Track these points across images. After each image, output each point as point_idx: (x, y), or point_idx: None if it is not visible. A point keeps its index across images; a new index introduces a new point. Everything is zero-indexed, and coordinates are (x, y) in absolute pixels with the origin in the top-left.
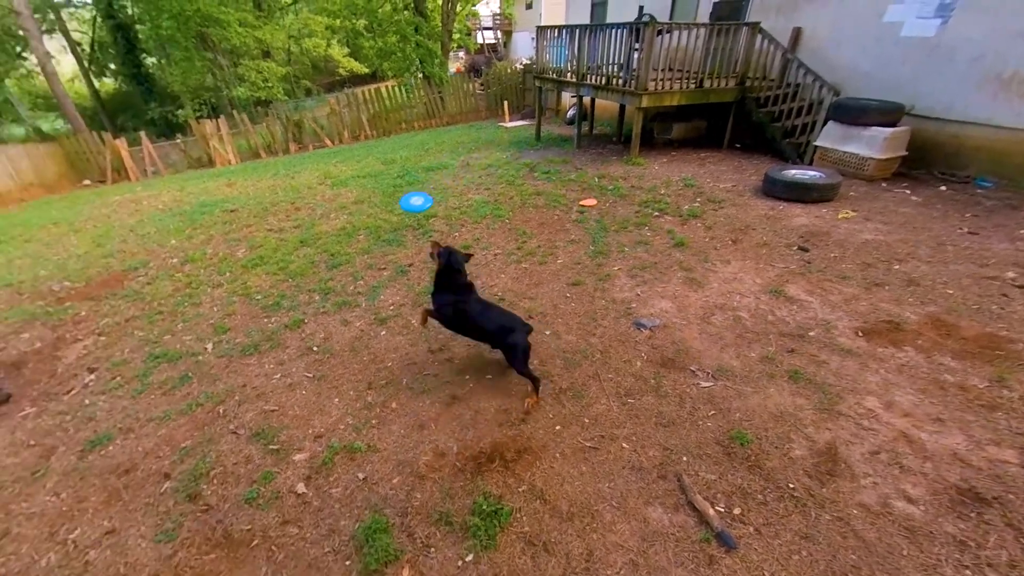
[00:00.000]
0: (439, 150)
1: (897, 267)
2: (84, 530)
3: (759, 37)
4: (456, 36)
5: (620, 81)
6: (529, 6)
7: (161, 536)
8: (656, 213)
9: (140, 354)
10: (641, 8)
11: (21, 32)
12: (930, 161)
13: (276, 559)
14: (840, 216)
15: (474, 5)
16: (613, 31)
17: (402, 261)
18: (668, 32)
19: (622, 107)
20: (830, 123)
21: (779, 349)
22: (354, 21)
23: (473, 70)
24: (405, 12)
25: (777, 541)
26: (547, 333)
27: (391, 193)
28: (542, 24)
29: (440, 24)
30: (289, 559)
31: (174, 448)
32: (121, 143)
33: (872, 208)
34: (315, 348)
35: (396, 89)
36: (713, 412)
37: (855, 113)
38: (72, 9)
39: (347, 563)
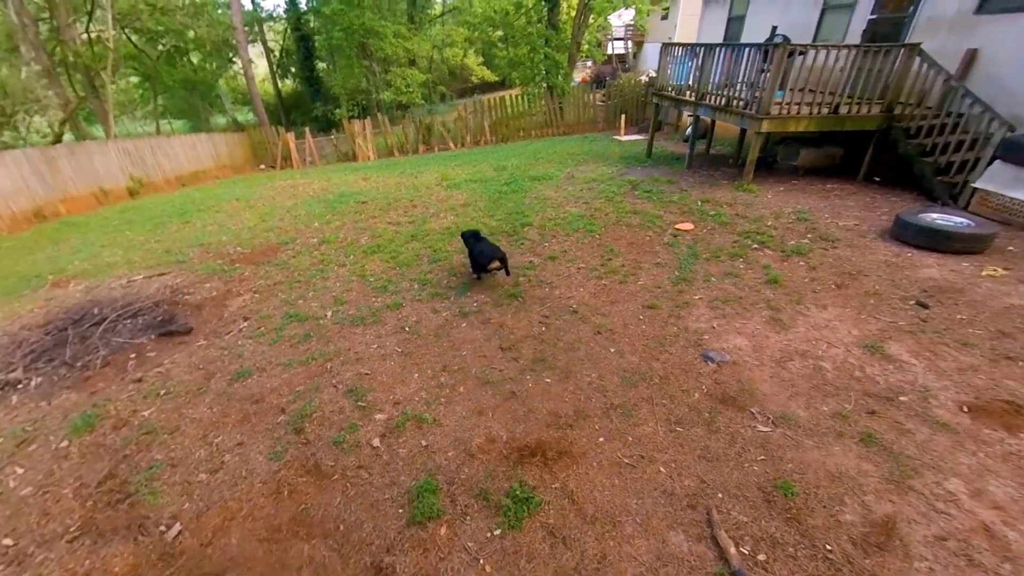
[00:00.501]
0: (548, 160)
1: None
2: (223, 438)
3: (917, 60)
4: (584, 47)
5: (741, 103)
6: (665, 17)
7: (272, 455)
8: (755, 245)
9: (280, 312)
10: (774, 28)
11: (233, 42)
12: None
13: (348, 494)
14: (984, 273)
15: (606, 17)
16: (741, 51)
17: (493, 273)
18: (803, 54)
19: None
20: (997, 163)
21: (858, 408)
22: (491, 33)
23: (597, 81)
24: (539, 25)
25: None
26: (611, 350)
27: (496, 199)
28: (673, 39)
29: (570, 36)
30: (357, 497)
31: (291, 390)
32: (290, 136)
33: (1006, 259)
34: (407, 328)
35: (519, 98)
36: (763, 457)
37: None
38: (271, 23)
39: (399, 511)
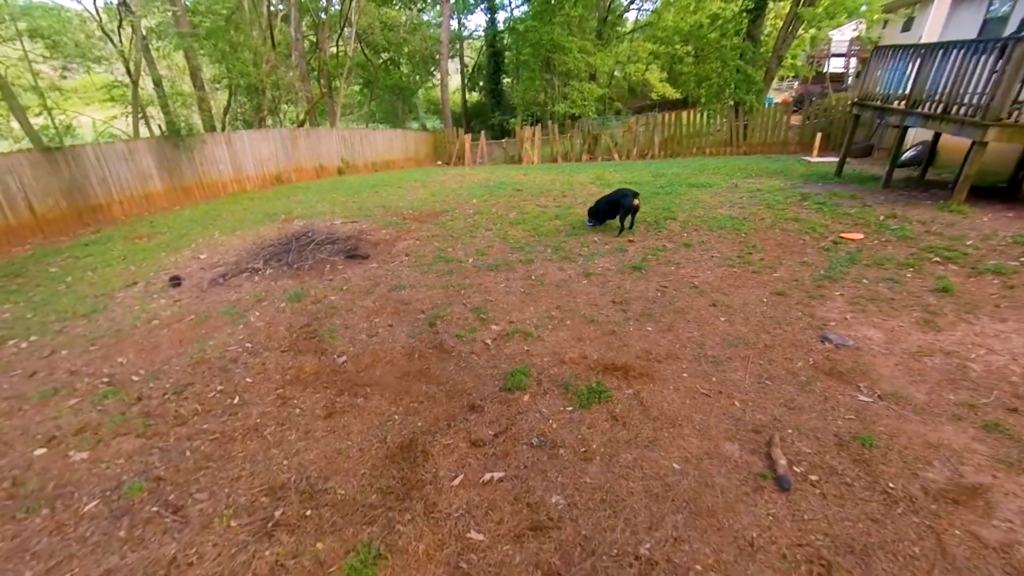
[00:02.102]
0: (715, 172)
1: None
2: (379, 320)
3: None
4: (791, 63)
5: (963, 110)
6: (906, 28)
7: (411, 335)
8: (937, 259)
9: (432, 254)
10: (985, 22)
11: (436, 56)
12: None
13: (460, 366)
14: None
15: (821, 29)
16: (975, 47)
17: (625, 247)
18: None
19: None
20: None
21: (995, 403)
22: (679, 47)
23: (799, 101)
24: (735, 38)
25: (836, 509)
26: (721, 319)
27: (646, 198)
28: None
29: (771, 49)
30: (467, 368)
31: (431, 302)
32: (467, 138)
33: None
34: (533, 277)
35: (696, 116)
36: (852, 417)
37: None
38: (470, 40)
39: (496, 382)
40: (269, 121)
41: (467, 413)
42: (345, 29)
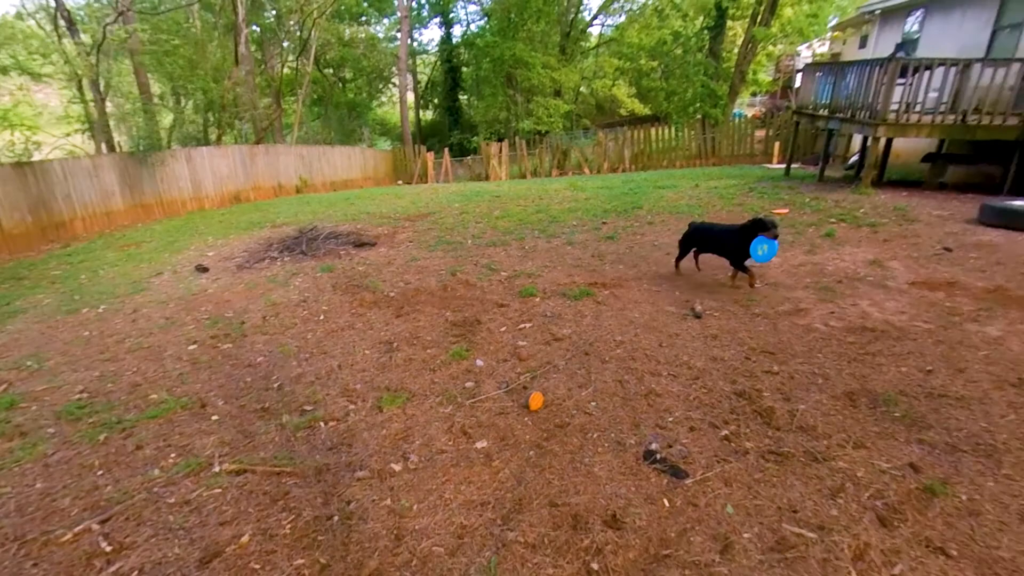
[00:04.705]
0: (681, 178)
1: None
2: (408, 276)
3: None
4: (760, 79)
5: (865, 113)
6: (863, 45)
7: (439, 280)
8: (833, 220)
9: (433, 239)
10: (898, 45)
11: (388, 73)
12: None
13: (484, 290)
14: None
15: (794, 46)
16: (867, 66)
17: (600, 227)
18: (929, 69)
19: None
20: None
21: (831, 280)
22: (644, 63)
23: (771, 114)
24: (698, 54)
25: (724, 322)
26: (671, 262)
27: (616, 196)
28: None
29: (734, 65)
30: (489, 291)
31: (446, 265)
32: (429, 155)
33: None
34: (526, 247)
35: (666, 131)
36: (756, 297)
37: None
38: (422, 55)
39: (512, 295)
40: (226, 138)
41: (497, 308)
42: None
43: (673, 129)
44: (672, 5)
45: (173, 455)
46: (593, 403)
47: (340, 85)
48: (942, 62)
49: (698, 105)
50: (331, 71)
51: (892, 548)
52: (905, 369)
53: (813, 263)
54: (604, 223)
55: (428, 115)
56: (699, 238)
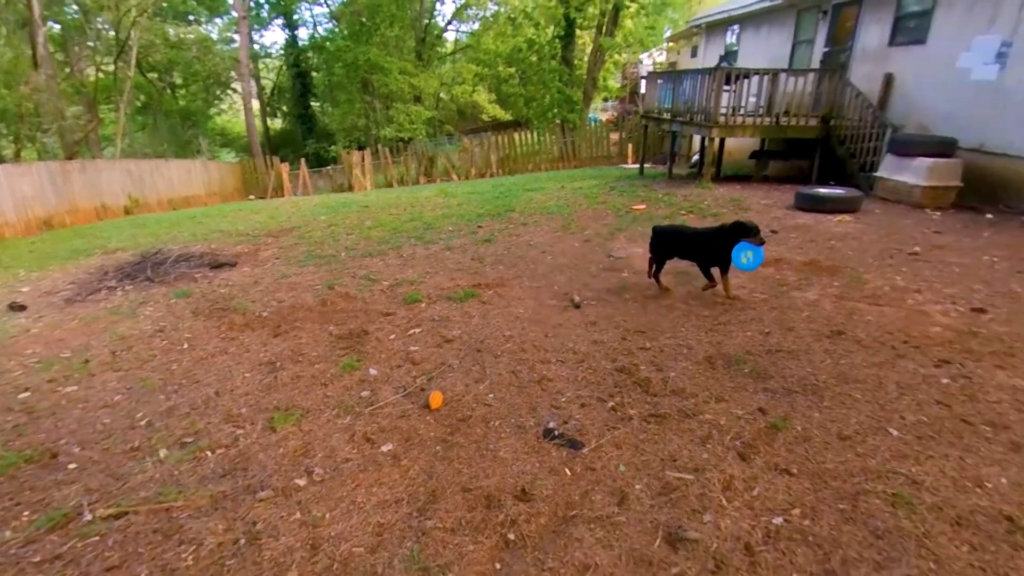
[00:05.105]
0: (547, 180)
1: (832, 242)
2: (281, 294)
3: (837, 79)
4: (610, 85)
5: (701, 116)
6: (694, 55)
7: (315, 294)
8: (685, 212)
9: (302, 254)
10: (721, 56)
11: (224, 79)
12: (1002, 198)
13: (367, 301)
14: (837, 220)
15: (620, 54)
16: (697, 75)
17: (476, 231)
18: (747, 77)
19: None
20: (888, 155)
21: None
22: (502, 69)
23: (622, 118)
24: (552, 61)
25: (600, 309)
26: (548, 259)
27: (488, 200)
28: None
29: (585, 72)
30: (372, 302)
31: (322, 279)
32: (284, 167)
33: (873, 219)
34: (404, 255)
35: (528, 135)
36: (616, 281)
37: (902, 146)
38: (266, 60)
39: (398, 302)
40: (26, 153)
41: (383, 317)
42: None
43: (536, 134)
44: (524, 14)
45: (27, 513)
46: (491, 395)
47: (169, 91)
48: (756, 71)
49: (556, 110)
50: (156, 76)
51: (751, 476)
52: (749, 333)
53: None
54: (480, 227)
55: (277, 123)
56: (671, 243)
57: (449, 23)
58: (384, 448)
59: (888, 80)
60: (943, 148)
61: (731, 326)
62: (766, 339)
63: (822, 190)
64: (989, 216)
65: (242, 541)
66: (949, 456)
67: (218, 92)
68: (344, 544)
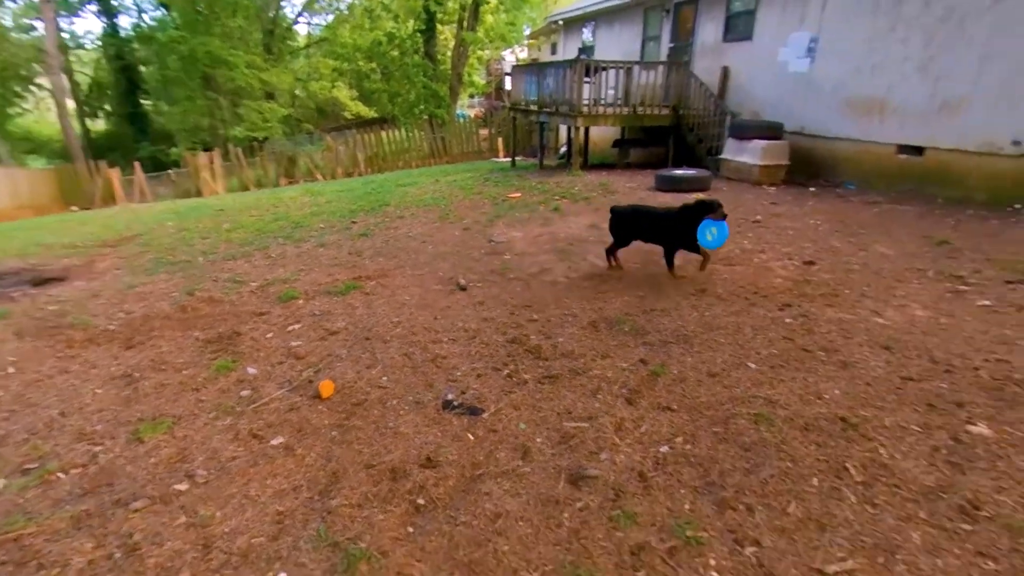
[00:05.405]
0: (420, 176)
1: None
2: (126, 306)
3: (683, 72)
4: (476, 81)
5: (565, 107)
6: (554, 51)
7: (173, 302)
8: (559, 198)
9: (150, 262)
10: (580, 49)
11: (24, 72)
12: (820, 173)
13: (234, 304)
14: (693, 198)
15: (483, 50)
16: (559, 67)
17: (350, 226)
18: (605, 69)
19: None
20: (729, 139)
21: (564, 244)
22: (362, 64)
23: (490, 114)
24: (415, 56)
25: (486, 289)
26: (429, 248)
27: (360, 197)
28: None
29: (450, 67)
30: (240, 304)
31: (177, 287)
32: (115, 172)
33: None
34: (273, 256)
35: (396, 133)
36: (499, 264)
37: (739, 130)
38: (80, 51)
39: (272, 302)
40: None
41: (255, 317)
42: None
43: (404, 131)
44: (382, 6)
45: None
46: (385, 378)
47: None
48: (613, 63)
49: (423, 106)
50: None
51: (638, 416)
52: (627, 298)
53: (549, 232)
54: (354, 222)
55: (100, 124)
56: (634, 224)
57: (300, 14)
58: (274, 442)
59: (725, 72)
60: (772, 132)
61: (610, 294)
62: (641, 302)
63: (677, 172)
64: (812, 189)
65: (117, 555)
66: (795, 378)
67: (17, 88)
68: (241, 537)
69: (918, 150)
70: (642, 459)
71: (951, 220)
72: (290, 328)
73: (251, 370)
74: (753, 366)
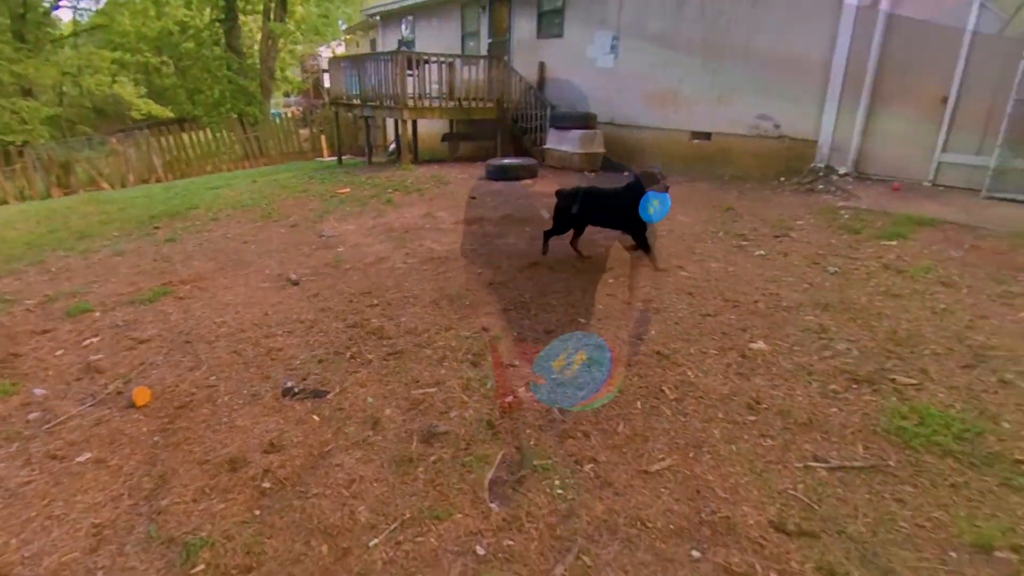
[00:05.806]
0: (233, 178)
1: (519, 200)
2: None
3: (503, 66)
4: (291, 77)
5: (390, 100)
6: (374, 46)
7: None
8: (391, 190)
9: None
10: (400, 42)
11: None
12: (632, 159)
13: (4, 325)
14: (522, 184)
15: (296, 44)
16: (379, 59)
17: (152, 232)
18: (427, 63)
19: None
20: (551, 130)
21: (411, 233)
22: (150, 57)
23: (310, 112)
24: (216, 48)
25: (319, 286)
26: (252, 248)
27: (163, 201)
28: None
29: (259, 61)
30: (12, 325)
31: None
32: None
33: (547, 182)
34: (52, 270)
35: (201, 134)
36: (331, 258)
37: (559, 121)
38: None
39: (57, 317)
40: None
41: (38, 335)
42: None
43: (211, 131)
44: None
45: None
46: (213, 377)
47: None
48: (435, 56)
49: (230, 104)
50: None
51: (483, 376)
52: (466, 276)
53: (383, 223)
54: (157, 228)
55: None
56: (585, 207)
57: None
58: (81, 458)
59: (542, 67)
60: (587, 122)
61: (450, 273)
62: (480, 278)
63: (506, 160)
64: (626, 174)
65: None
66: (620, 326)
67: None
68: (48, 559)
69: (707, 135)
70: (489, 411)
71: (735, 192)
72: (86, 343)
73: (38, 391)
74: (583, 320)
